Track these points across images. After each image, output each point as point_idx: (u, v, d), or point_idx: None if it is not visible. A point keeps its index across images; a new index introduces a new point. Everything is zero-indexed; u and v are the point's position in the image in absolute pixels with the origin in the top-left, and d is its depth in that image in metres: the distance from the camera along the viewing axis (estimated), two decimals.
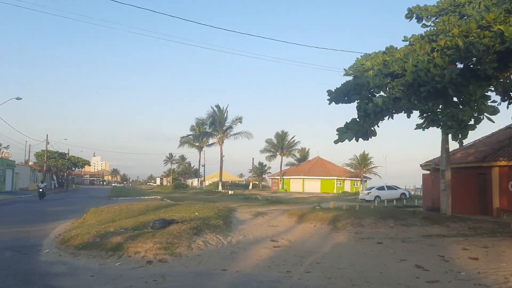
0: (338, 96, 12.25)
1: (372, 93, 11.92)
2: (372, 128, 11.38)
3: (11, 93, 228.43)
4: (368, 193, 41.79)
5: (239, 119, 59.02)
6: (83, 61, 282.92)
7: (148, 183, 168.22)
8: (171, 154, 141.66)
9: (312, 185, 67.85)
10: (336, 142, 11.46)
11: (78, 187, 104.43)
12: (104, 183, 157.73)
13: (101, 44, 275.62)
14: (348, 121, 11.58)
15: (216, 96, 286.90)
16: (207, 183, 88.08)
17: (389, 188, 42.85)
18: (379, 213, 19.75)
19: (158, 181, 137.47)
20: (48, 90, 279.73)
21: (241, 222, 18.22)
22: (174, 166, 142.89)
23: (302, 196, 55.18)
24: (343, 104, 12.55)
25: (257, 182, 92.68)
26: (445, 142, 19.95)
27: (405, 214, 19.32)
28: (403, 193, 42.91)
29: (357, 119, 11.50)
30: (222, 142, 59.36)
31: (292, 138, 71.81)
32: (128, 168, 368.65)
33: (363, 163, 63.33)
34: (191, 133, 67.21)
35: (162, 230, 12.30)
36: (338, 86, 12.28)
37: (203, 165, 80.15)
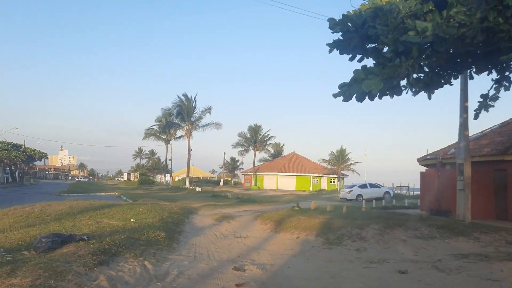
0: (346, 36, 7.31)
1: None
2: (414, 75, 6.59)
3: None
4: (350, 192, 37.27)
5: (208, 109, 53.63)
6: (53, 54, 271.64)
7: (116, 179, 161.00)
8: (140, 149, 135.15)
9: (286, 182, 63.19)
10: (336, 96, 6.67)
11: (37, 181, 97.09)
12: (70, 178, 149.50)
13: (70, 36, 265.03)
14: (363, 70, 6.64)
15: (188, 89, 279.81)
16: (175, 178, 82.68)
17: (372, 186, 38.45)
18: (377, 218, 15.07)
19: (125, 177, 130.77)
20: (17, 83, 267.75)
21: (197, 232, 13.23)
22: (144, 161, 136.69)
23: (276, 194, 50.50)
24: (354, 55, 7.64)
25: (229, 179, 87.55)
26: (464, 127, 15.33)
27: (412, 220, 14.67)
28: (387, 192, 38.61)
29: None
30: (190, 134, 53.92)
31: (267, 132, 66.99)
32: (98, 163, 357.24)
33: (340, 159, 59.08)
34: (157, 123, 61.37)
35: (50, 253, 7.22)
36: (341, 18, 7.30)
37: (170, 160, 74.48)
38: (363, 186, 38.17)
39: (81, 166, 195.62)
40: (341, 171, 60.41)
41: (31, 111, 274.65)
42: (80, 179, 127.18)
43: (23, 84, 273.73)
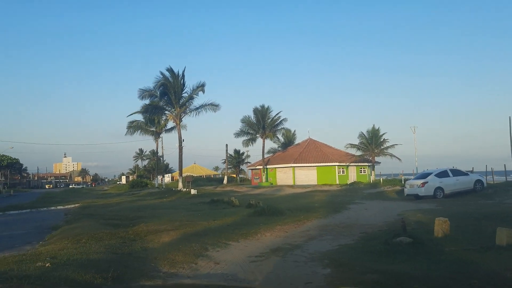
0: None
1: None
2: None
3: None
4: (423, 184, 22.58)
5: (201, 87, 38.02)
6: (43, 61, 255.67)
7: (118, 182, 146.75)
8: (141, 150, 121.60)
9: (306, 175, 48.33)
10: None
11: (26, 191, 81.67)
12: (62, 185, 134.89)
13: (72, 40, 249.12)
14: None
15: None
16: (177, 179, 68.42)
17: (456, 173, 23.69)
18: None
19: (124, 180, 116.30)
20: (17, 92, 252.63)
21: None
22: (145, 162, 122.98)
23: (298, 192, 35.74)
24: None
25: (234, 175, 72.73)
26: None
27: None
28: (478, 181, 23.92)
29: None
30: (180, 120, 38.81)
31: (277, 114, 51.60)
32: (106, 168, 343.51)
33: (374, 141, 44.19)
34: (136, 112, 45.87)
35: None
36: None
37: (161, 156, 59.83)
38: (443, 174, 23.38)
39: (83, 172, 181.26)
40: (375, 157, 45.48)
41: (32, 119, 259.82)
42: (73, 185, 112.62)
43: (25, 93, 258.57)
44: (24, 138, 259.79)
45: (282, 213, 16.56)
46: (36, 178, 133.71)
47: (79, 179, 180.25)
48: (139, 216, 17.34)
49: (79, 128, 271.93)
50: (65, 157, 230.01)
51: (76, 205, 29.77)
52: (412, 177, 40.96)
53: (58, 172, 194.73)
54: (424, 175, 23.88)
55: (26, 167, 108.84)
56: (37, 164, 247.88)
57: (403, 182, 34.58)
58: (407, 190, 23.88)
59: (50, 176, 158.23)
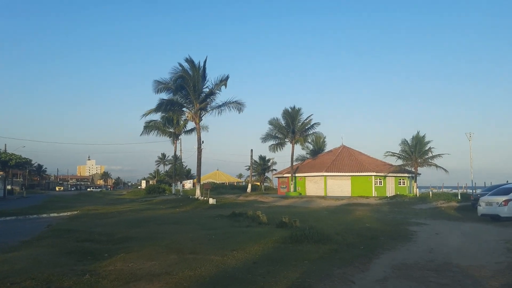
0: None
1: None
2: None
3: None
4: (507, 202, 17.16)
5: (223, 81, 32.76)
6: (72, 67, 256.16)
7: (139, 187, 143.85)
8: (163, 154, 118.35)
9: (339, 186, 42.96)
10: None
11: (43, 193, 78.42)
12: (89, 188, 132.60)
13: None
14: None
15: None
16: (185, 186, 64.43)
17: None
18: None
19: (144, 184, 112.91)
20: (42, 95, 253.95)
21: None
22: (168, 167, 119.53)
23: (333, 204, 30.53)
24: None
25: (258, 183, 67.70)
26: None
27: None
28: None
29: None
30: (200, 119, 33.87)
31: (308, 117, 46.38)
32: (129, 172, 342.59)
33: (417, 150, 38.52)
34: (148, 111, 40.95)
35: None
36: None
37: (180, 160, 54.99)
38: None
39: (105, 175, 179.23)
40: (418, 167, 39.73)
41: (57, 121, 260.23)
42: (92, 189, 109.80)
43: (51, 95, 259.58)
44: (48, 138, 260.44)
45: (329, 238, 11.51)
46: (58, 180, 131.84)
47: (101, 182, 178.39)
48: (130, 236, 12.52)
49: (105, 130, 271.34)
50: (89, 159, 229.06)
51: (73, 212, 25.53)
52: (472, 191, 34.90)
53: (79, 175, 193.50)
54: (506, 190, 18.32)
55: (45, 168, 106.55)
56: (62, 166, 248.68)
57: (459, 197, 28.96)
58: (482, 209, 18.38)
59: (72, 179, 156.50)
